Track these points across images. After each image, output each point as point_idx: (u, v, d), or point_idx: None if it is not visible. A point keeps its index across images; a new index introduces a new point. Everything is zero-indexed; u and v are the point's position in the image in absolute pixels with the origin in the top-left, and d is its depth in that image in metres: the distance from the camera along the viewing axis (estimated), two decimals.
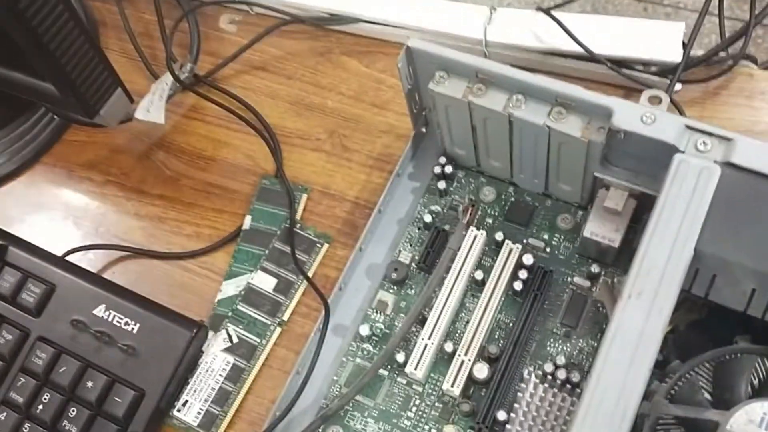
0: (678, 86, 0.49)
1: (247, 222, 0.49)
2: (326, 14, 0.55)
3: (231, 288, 0.48)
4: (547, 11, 0.50)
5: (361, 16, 0.54)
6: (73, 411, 0.43)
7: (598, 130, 0.39)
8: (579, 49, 0.49)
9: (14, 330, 0.46)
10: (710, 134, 0.36)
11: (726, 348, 0.35)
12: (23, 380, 0.45)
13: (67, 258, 0.50)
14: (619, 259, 0.43)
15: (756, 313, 0.34)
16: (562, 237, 0.46)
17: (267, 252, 0.48)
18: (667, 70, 0.48)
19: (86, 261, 0.50)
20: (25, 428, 0.44)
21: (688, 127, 0.37)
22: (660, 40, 0.48)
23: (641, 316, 0.33)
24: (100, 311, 0.46)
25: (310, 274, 0.47)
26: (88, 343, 0.45)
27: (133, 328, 0.45)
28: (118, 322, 0.45)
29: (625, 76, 0.48)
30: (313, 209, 0.50)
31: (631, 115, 0.37)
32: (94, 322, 0.45)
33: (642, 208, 0.42)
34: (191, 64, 0.54)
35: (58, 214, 0.52)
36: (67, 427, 0.43)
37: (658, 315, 0.33)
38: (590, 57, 0.49)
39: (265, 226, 0.49)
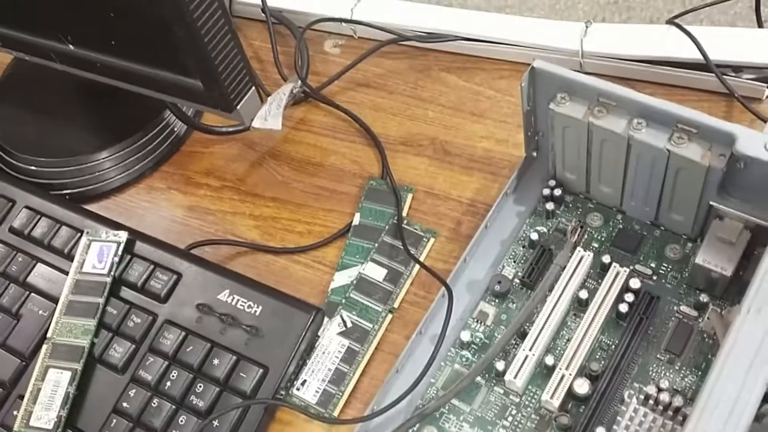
0: None
1: (357, 219, 0.53)
2: (424, 33, 0.59)
3: (343, 278, 0.50)
4: (677, 24, 0.53)
5: (458, 34, 0.58)
6: (200, 387, 0.46)
7: (719, 156, 0.40)
8: (676, 57, 0.52)
9: (143, 314, 0.49)
10: None
11: None
12: (152, 360, 0.48)
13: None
14: (728, 291, 0.44)
15: None
16: (670, 267, 0.46)
17: (376, 245, 0.51)
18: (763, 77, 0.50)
19: (205, 256, 0.53)
20: (154, 403, 0.46)
21: None
22: (756, 45, 0.51)
23: (760, 331, 0.34)
24: (224, 296, 0.49)
25: (417, 268, 0.50)
26: (213, 325, 0.48)
27: (255, 311, 0.48)
28: (241, 305, 0.48)
29: (723, 82, 0.50)
30: (418, 207, 0.53)
31: (754, 143, 0.38)
32: (219, 306, 0.48)
33: (755, 241, 0.42)
34: (302, 85, 0.59)
35: (178, 216, 0.56)
36: (194, 402, 0.46)
37: None
38: (700, 65, 0.51)
39: (373, 222, 0.52)
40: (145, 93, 0.49)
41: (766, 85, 0.50)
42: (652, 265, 0.46)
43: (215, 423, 0.44)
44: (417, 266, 0.50)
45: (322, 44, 0.63)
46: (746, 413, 0.32)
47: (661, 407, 0.41)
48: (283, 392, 0.46)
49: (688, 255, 0.46)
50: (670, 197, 0.45)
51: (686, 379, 0.42)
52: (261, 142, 0.59)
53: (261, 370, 0.46)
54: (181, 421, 0.45)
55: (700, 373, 0.43)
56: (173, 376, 0.47)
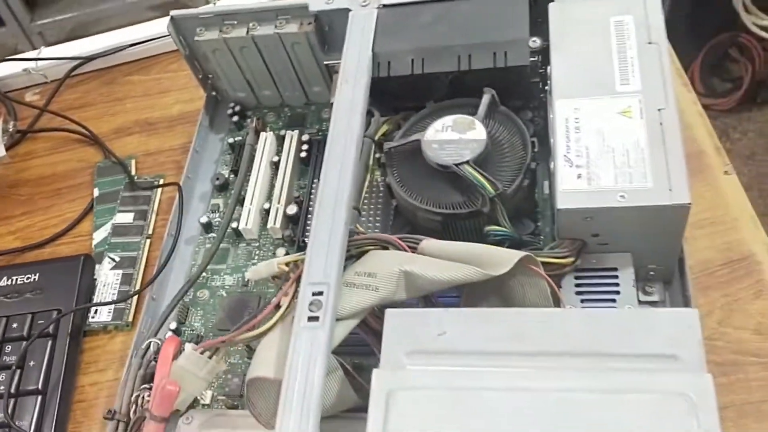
0: None
1: (96, 192, 0.64)
2: (98, 54, 0.73)
3: (101, 234, 0.61)
4: None
5: (121, 45, 0.73)
6: (8, 348, 0.53)
7: (309, 24, 0.57)
8: None
9: None
10: None
11: (421, 112, 0.52)
12: None
13: None
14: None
15: (416, 71, 0.51)
16: (328, 123, 0.58)
17: (119, 201, 0.62)
18: None
19: None
20: None
21: None
22: None
23: (349, 92, 0.50)
24: (3, 282, 0.57)
25: (157, 202, 0.62)
26: (2, 305, 0.56)
27: (34, 278, 0.57)
28: (20, 281, 0.57)
29: None
30: (143, 167, 0.65)
31: (318, 2, 0.56)
32: (2, 291, 0.56)
33: None
34: (13, 122, 0.69)
35: None
36: (7, 360, 0.53)
37: (360, 90, 0.49)
38: None
39: (110, 189, 0.64)
40: None
41: None
42: (317, 126, 0.63)
43: (31, 363, 0.52)
44: (158, 200, 0.62)
45: (23, 97, 0.74)
46: (353, 143, 0.47)
47: None
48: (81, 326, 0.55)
49: None
50: (303, 74, 0.61)
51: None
52: None
53: (55, 312, 0.54)
54: (1, 378, 0.52)
55: None
56: None
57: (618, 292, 0.43)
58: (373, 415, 0.35)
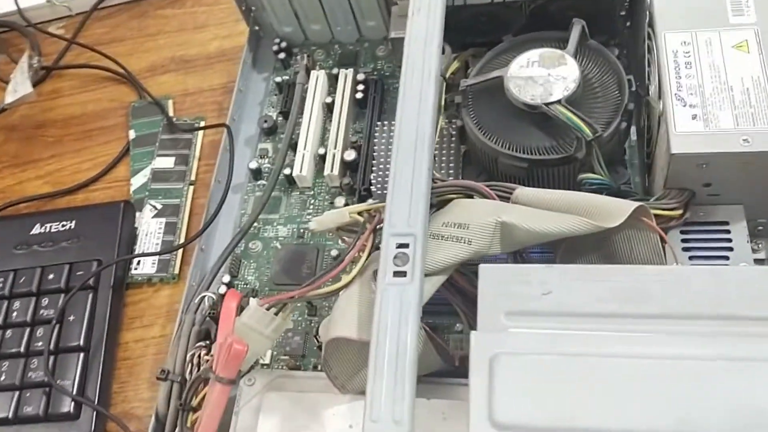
0: None
1: (132, 134, 0.59)
2: None
3: (140, 179, 0.56)
4: None
5: None
6: (45, 301, 0.49)
7: None
8: None
9: None
10: None
11: (499, 46, 0.47)
12: None
13: None
14: None
15: None
16: (384, 62, 0.57)
17: (157, 144, 0.58)
18: None
19: None
20: (8, 335, 0.49)
21: None
22: None
23: (422, 22, 0.43)
24: (36, 230, 0.53)
25: (199, 146, 0.57)
26: (36, 254, 0.52)
27: (70, 226, 0.52)
28: (55, 228, 0.52)
29: None
30: (181, 108, 0.60)
31: None
32: (35, 239, 0.52)
33: None
34: (38, 57, 0.64)
35: None
36: (45, 315, 0.49)
37: (435, 19, 0.43)
38: None
39: (147, 131, 0.59)
40: None
41: None
42: (371, 66, 0.58)
43: (71, 317, 0.48)
44: (199, 144, 0.57)
45: (48, 28, 0.69)
46: (432, 86, 0.42)
47: None
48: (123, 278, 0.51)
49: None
50: (358, 6, 0.56)
51: None
52: (21, 121, 0.63)
53: (95, 262, 0.50)
54: (39, 333, 0.48)
55: None
56: (15, 306, 0.49)
57: (731, 248, 0.39)
58: (475, 381, 0.31)
